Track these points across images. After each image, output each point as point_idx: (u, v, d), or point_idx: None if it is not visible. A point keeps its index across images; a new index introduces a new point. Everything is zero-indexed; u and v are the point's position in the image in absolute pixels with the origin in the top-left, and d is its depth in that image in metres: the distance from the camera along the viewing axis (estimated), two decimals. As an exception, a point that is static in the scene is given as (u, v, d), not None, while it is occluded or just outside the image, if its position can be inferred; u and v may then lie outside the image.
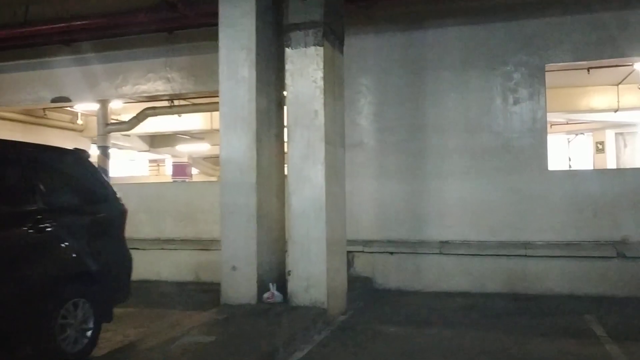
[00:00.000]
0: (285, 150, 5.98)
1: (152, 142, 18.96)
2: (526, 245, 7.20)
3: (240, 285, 5.87)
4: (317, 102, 5.72)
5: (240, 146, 5.93)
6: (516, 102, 7.48)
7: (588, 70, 9.21)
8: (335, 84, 6.09)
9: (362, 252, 7.66)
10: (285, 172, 6.01)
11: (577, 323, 5.59)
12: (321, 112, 5.72)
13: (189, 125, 14.46)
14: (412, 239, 7.70)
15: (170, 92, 9.11)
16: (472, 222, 7.52)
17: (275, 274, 6.07)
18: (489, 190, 7.49)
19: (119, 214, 4.92)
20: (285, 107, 6.01)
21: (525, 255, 7.07)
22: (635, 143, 22.59)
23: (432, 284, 7.38)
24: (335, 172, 6.05)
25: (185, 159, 22.26)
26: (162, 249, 8.49)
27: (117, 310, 5.35)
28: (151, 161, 30.56)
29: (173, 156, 22.55)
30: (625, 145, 23.01)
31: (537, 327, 5.46)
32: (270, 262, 6.09)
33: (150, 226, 8.65)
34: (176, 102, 11.46)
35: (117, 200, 4.97)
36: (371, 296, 7.13)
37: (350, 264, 7.63)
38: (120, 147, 18.89)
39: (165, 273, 8.38)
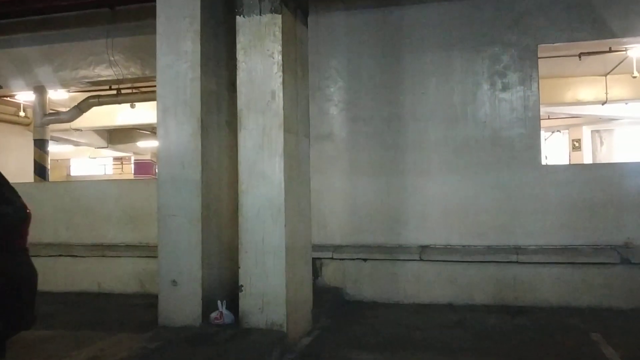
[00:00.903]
0: (239, 140, 4.97)
1: (110, 137, 17.70)
2: (517, 250, 6.34)
3: (182, 304, 4.85)
4: (275, 81, 4.74)
5: (182, 135, 4.91)
6: (505, 87, 6.61)
7: (579, 57, 8.41)
8: (297, 62, 5.11)
9: (332, 258, 6.69)
10: (238, 167, 5.00)
11: (585, 345, 4.71)
12: (279, 94, 4.73)
13: (146, 118, 13.30)
14: (389, 244, 6.78)
15: (113, 77, 8.00)
16: (456, 224, 6.62)
17: (226, 290, 5.06)
18: (475, 188, 6.60)
19: (18, 220, 3.84)
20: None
21: (517, 262, 6.19)
22: (612, 141, 22.23)
23: (411, 294, 6.45)
24: (297, 167, 5.07)
25: (148, 157, 21.04)
26: (104, 256, 7.37)
27: (29, 335, 4.30)
28: (116, 159, 29.17)
29: (135, 154, 21.30)
30: (601, 143, 22.64)
31: (539, 352, 4.58)
32: (220, 275, 5.08)
33: (89, 230, 7.53)
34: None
35: (17, 203, 3.89)
36: (341, 310, 6.17)
37: (317, 272, 6.67)
38: (76, 144, 17.62)
39: (106, 284, 7.27)
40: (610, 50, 8.30)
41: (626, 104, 11.88)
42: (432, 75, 6.79)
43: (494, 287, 6.25)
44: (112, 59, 7.78)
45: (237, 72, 4.84)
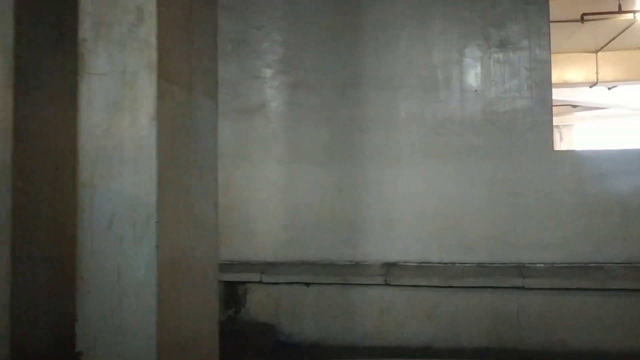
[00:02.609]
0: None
1: None
2: (521, 269, 4.51)
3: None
4: (143, -11, 2.69)
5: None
6: (504, 43, 4.76)
7: (582, 19, 6.69)
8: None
9: (260, 282, 4.69)
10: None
11: None
12: (151, 10, 2.68)
13: None
14: (341, 261, 4.83)
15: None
16: (435, 233, 4.74)
17: (60, 350, 2.96)
18: (463, 183, 4.74)
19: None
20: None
21: (522, 287, 4.35)
22: (571, 137, 21.18)
23: (373, 333, 4.53)
24: (190, 143, 3.03)
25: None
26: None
27: None
28: None
29: None
30: (561, 139, 21.59)
31: None
32: (54, 330, 2.98)
33: None
34: None
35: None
36: (273, 359, 4.20)
37: (238, 303, 4.67)
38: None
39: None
40: (620, 11, 6.69)
41: (612, 87, 10.41)
42: (404, 26, 4.87)
43: (490, 324, 4.40)
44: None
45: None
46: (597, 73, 9.38)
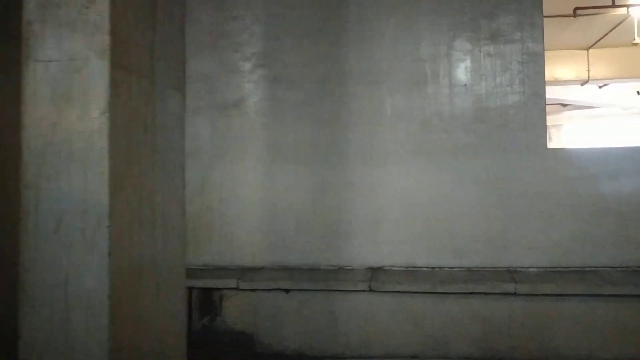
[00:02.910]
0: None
1: None
2: (514, 274, 4.27)
3: None
4: (96, -35, 2.41)
5: None
6: (495, 35, 4.52)
7: (574, 13, 6.47)
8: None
9: (237, 289, 4.40)
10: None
11: None
12: (104, -11, 2.40)
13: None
14: (324, 265, 4.58)
15: None
16: (424, 236, 4.49)
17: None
18: (452, 183, 4.49)
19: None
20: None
21: (514, 293, 4.11)
22: (560, 137, 21.04)
23: (357, 343, 4.26)
24: (150, 139, 2.74)
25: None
26: None
27: None
28: None
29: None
30: (550, 140, 21.46)
31: None
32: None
33: None
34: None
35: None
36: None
37: (214, 310, 4.38)
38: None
39: None
40: (613, 5, 6.47)
41: (604, 85, 10.23)
42: (390, 17, 4.62)
43: (480, 332, 4.15)
44: None
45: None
46: (588, 70, 9.17)
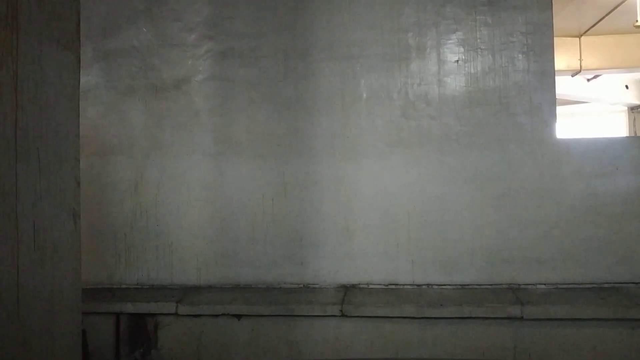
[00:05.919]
0: None
1: None
2: (518, 293, 3.47)
3: None
4: None
5: None
6: (493, 0, 3.71)
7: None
8: None
9: (176, 314, 3.51)
10: None
11: None
12: None
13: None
14: (284, 283, 3.71)
15: None
16: (406, 246, 3.66)
17: None
18: (441, 180, 3.67)
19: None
20: None
21: (521, 318, 3.30)
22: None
23: (325, 381, 3.42)
24: (19, 119, 1.85)
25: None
26: None
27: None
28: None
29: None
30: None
31: None
32: None
33: None
34: None
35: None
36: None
37: (148, 341, 3.49)
38: None
39: None
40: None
41: (594, 78, 9.60)
42: (365, -23, 3.77)
43: (478, 366, 3.33)
44: None
45: None
46: (580, 60, 8.48)
